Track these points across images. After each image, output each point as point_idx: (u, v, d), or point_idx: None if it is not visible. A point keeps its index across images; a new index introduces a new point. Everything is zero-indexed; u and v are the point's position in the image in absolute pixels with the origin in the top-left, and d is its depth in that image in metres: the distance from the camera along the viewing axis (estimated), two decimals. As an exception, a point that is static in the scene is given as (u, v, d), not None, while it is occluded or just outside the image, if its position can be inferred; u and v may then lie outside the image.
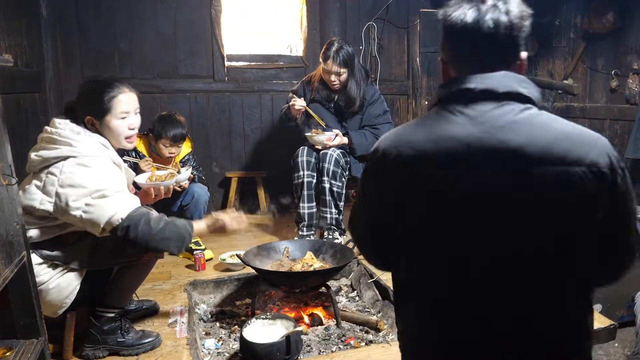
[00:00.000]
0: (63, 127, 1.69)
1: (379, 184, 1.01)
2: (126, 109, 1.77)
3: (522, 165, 0.87)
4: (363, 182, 1.08)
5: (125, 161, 2.72)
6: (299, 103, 3.00)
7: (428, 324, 1.02)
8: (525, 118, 0.91)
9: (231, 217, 1.82)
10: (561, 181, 0.86)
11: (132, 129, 1.81)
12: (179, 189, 2.74)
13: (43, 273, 1.66)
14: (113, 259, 1.76)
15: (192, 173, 2.85)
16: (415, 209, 0.97)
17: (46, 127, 1.71)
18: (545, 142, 0.88)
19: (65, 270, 1.71)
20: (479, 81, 0.94)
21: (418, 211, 0.96)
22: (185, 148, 3.01)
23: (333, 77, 2.99)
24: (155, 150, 2.89)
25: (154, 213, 1.71)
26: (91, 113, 1.74)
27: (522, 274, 0.92)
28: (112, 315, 1.84)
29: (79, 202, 1.58)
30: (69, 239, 1.71)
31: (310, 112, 3.08)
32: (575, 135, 0.90)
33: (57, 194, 1.59)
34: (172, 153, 2.86)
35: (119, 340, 1.84)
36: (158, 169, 2.33)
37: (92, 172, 1.62)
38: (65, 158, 1.63)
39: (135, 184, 2.13)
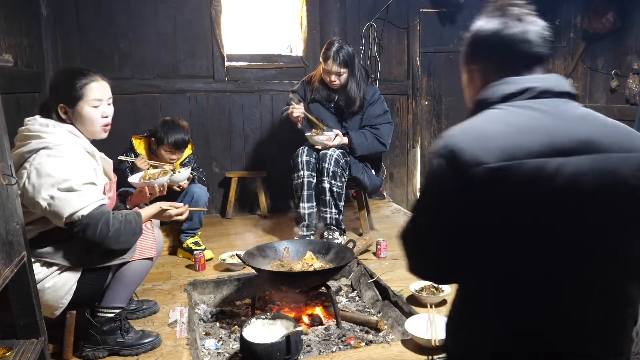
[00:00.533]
0: (32, 122, 1.72)
1: (457, 185, 0.93)
2: (99, 96, 1.77)
3: (598, 153, 0.94)
4: (430, 187, 1.02)
5: (122, 161, 2.74)
6: (298, 110, 2.99)
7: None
8: (584, 112, 1.01)
9: (174, 206, 1.96)
10: (626, 166, 0.95)
11: (106, 117, 1.82)
12: (177, 188, 2.74)
13: (37, 272, 1.65)
14: (104, 257, 1.76)
15: (192, 174, 2.84)
16: (506, 206, 0.93)
17: (19, 128, 1.74)
18: (608, 132, 0.98)
19: (60, 270, 1.71)
20: (538, 81, 1.02)
21: (507, 210, 0.93)
22: (187, 150, 2.98)
23: (333, 77, 2.99)
24: (154, 152, 2.88)
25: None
26: (63, 100, 1.75)
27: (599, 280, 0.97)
28: (112, 315, 1.84)
29: (44, 193, 1.59)
30: (59, 235, 1.71)
31: (310, 116, 3.07)
32: (622, 126, 1.02)
33: (25, 185, 1.61)
34: (172, 160, 2.83)
35: (118, 340, 1.84)
36: (154, 167, 2.33)
37: (61, 162, 1.64)
38: (37, 151, 1.65)
39: (129, 184, 2.13)
